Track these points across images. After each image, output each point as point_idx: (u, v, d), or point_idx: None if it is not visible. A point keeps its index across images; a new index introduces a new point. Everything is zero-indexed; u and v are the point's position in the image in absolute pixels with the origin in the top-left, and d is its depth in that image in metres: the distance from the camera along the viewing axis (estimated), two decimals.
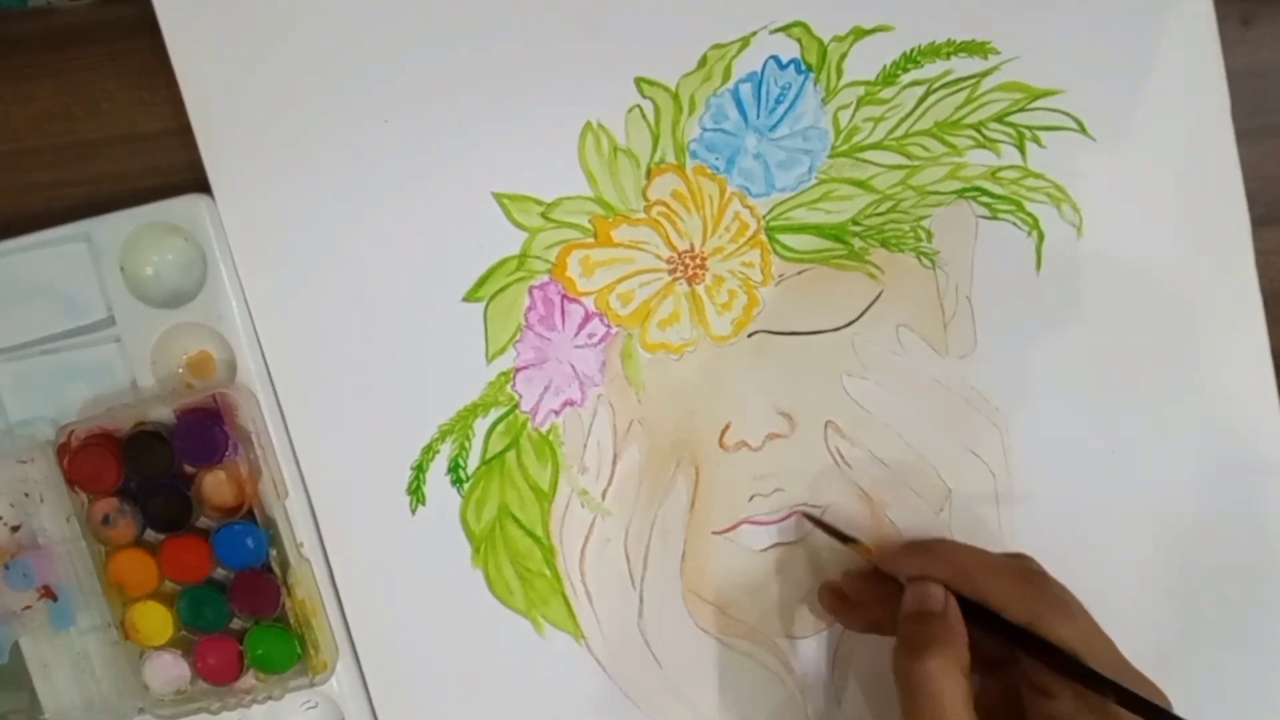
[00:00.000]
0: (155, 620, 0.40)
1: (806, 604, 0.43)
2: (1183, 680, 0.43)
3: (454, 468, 0.42)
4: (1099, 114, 0.42)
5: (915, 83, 0.41)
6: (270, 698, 0.41)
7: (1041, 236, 0.42)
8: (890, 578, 0.39)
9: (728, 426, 0.43)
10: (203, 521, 0.40)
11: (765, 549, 0.43)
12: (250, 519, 0.40)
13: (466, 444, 0.42)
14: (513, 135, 0.41)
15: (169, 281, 0.41)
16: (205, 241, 0.41)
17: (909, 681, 0.35)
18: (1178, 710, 0.34)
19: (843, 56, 0.41)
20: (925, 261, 0.42)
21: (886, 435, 0.43)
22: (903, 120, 0.42)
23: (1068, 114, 0.42)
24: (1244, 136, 0.42)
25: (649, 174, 0.42)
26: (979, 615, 0.36)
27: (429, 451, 0.42)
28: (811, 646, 0.43)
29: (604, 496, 0.42)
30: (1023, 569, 0.38)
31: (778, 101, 0.41)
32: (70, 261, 0.41)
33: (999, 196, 0.42)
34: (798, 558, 0.43)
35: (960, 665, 0.35)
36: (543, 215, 0.42)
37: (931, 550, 0.39)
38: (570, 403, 0.42)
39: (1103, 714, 0.34)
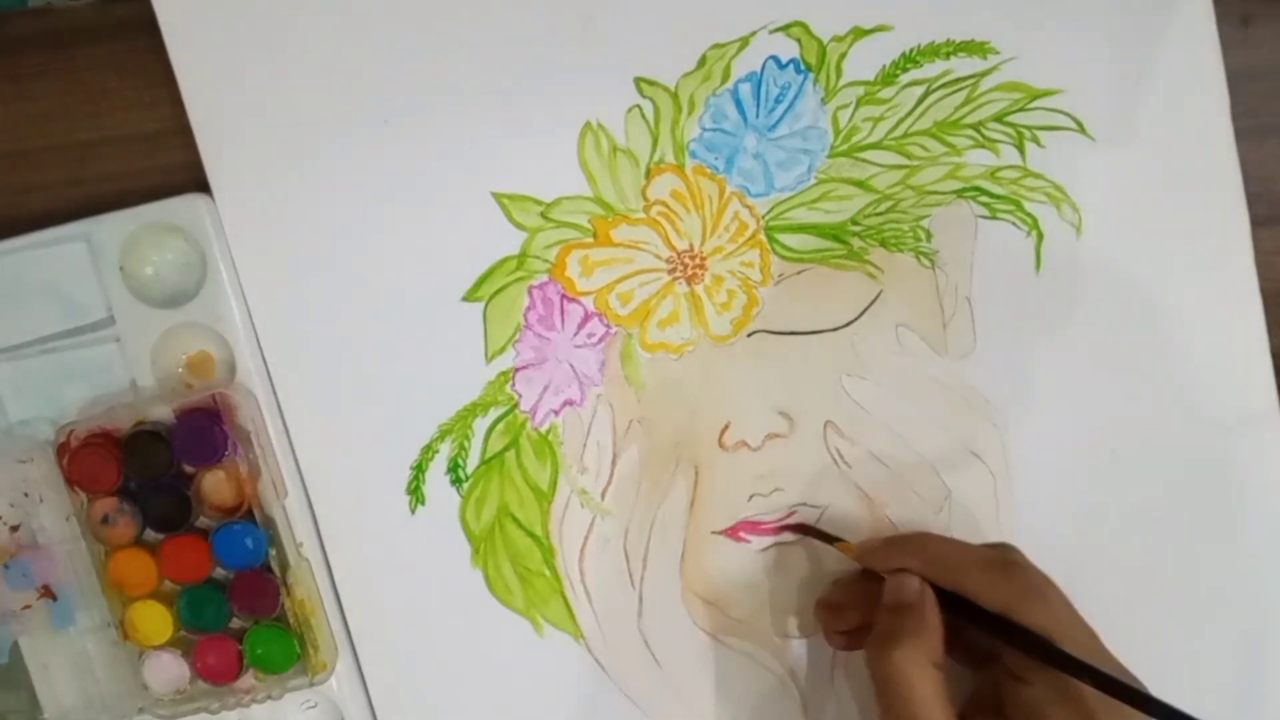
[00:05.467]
0: (155, 620, 0.40)
1: (807, 604, 0.43)
2: (1182, 679, 0.43)
3: (453, 467, 0.42)
4: (1098, 114, 0.42)
5: (914, 82, 0.41)
6: (270, 697, 0.41)
7: (1041, 236, 0.42)
8: (875, 578, 0.39)
9: (727, 426, 0.43)
10: (202, 521, 0.40)
11: (765, 549, 0.43)
12: (250, 519, 0.40)
13: (466, 443, 0.42)
14: (512, 135, 0.41)
15: (169, 281, 0.41)
16: (205, 241, 0.41)
17: (878, 672, 0.36)
18: (1176, 703, 0.33)
19: (842, 56, 0.41)
20: (924, 261, 0.42)
21: (886, 435, 0.43)
22: (902, 120, 0.42)
23: (1067, 114, 0.42)
24: (1244, 136, 0.42)
25: (648, 174, 0.42)
26: (958, 606, 0.37)
27: (428, 451, 0.42)
28: (811, 646, 0.43)
29: (603, 496, 0.42)
30: (1000, 559, 0.38)
31: (777, 101, 0.41)
32: (70, 261, 0.41)
33: (998, 196, 0.42)
34: (797, 558, 0.43)
35: (930, 656, 0.35)
36: (542, 215, 0.42)
37: (909, 543, 0.39)
38: (570, 402, 0.42)
39: (1074, 699, 0.34)
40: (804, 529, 0.42)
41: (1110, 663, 0.36)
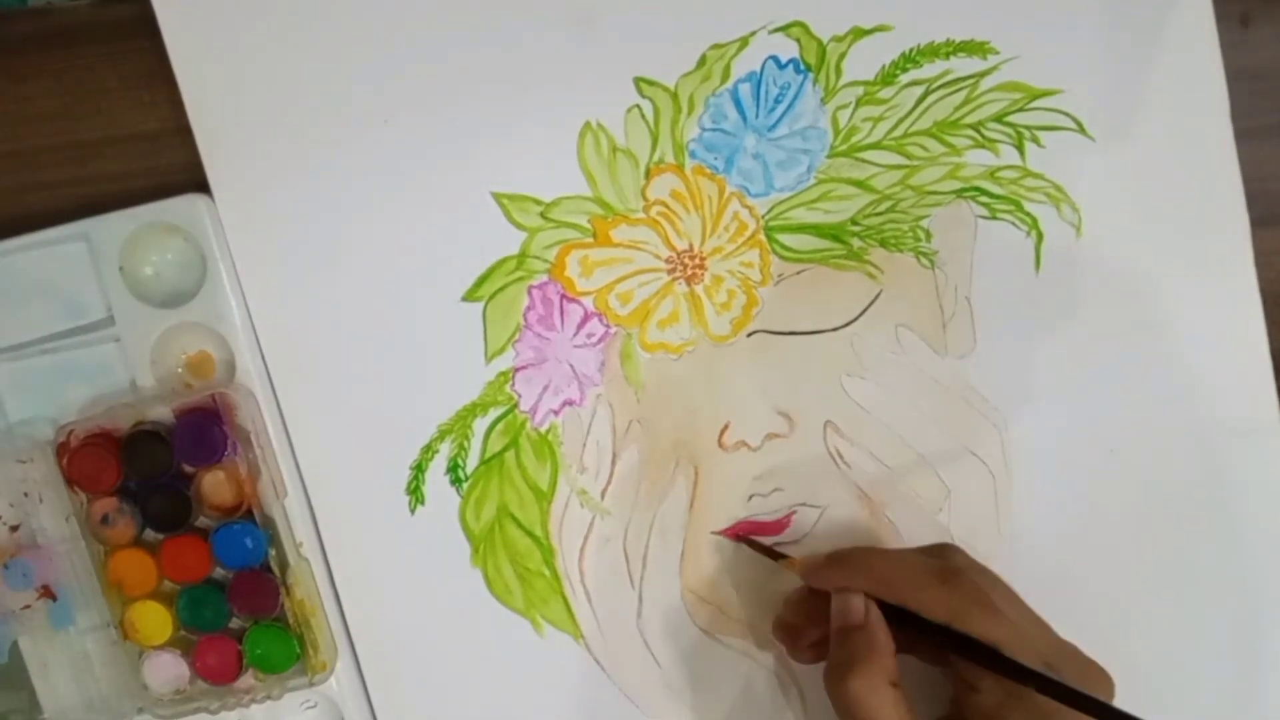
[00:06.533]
0: (154, 620, 0.40)
1: None
2: (1181, 679, 0.43)
3: (453, 467, 0.42)
4: (1098, 114, 0.42)
5: (914, 82, 0.41)
6: (269, 697, 0.41)
7: (1040, 236, 0.42)
8: (824, 593, 0.38)
9: (727, 426, 0.43)
10: (202, 521, 0.40)
11: None
12: (249, 519, 0.40)
13: (465, 444, 0.42)
14: (512, 135, 0.41)
15: (168, 281, 0.41)
16: (205, 241, 0.41)
17: (839, 702, 0.36)
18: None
19: (842, 56, 0.41)
20: (924, 261, 0.42)
21: (886, 435, 0.43)
22: (902, 120, 0.42)
23: (1067, 114, 0.42)
24: (1244, 136, 0.42)
25: (648, 174, 0.42)
26: (905, 619, 0.36)
27: (428, 451, 0.42)
28: None
29: (603, 496, 0.42)
30: (941, 568, 0.37)
31: (777, 101, 0.41)
32: (70, 261, 0.41)
33: (998, 196, 0.42)
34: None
35: (886, 676, 0.35)
36: (542, 215, 0.42)
37: (849, 561, 0.38)
38: (569, 402, 0.42)
39: (1027, 702, 0.35)
40: (750, 543, 0.42)
41: (1066, 653, 0.36)
